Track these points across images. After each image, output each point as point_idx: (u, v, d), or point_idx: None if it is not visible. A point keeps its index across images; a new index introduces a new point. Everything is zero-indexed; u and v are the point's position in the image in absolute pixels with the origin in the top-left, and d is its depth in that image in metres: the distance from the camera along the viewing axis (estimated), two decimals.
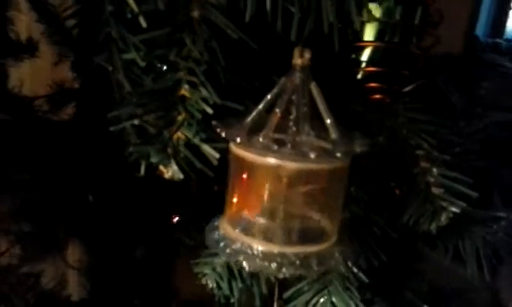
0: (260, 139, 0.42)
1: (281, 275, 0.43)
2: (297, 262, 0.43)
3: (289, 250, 0.43)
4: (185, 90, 0.50)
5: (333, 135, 0.44)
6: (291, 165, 0.42)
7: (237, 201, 0.45)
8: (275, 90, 0.45)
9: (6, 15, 0.94)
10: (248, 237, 0.44)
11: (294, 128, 0.42)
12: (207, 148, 0.50)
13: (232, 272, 0.60)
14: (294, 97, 0.44)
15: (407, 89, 0.66)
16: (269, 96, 0.45)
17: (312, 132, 0.43)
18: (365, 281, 0.61)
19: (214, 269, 0.60)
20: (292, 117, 0.43)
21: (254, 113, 0.45)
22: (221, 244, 0.45)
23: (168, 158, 0.50)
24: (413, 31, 0.64)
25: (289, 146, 0.41)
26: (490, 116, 0.63)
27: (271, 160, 0.42)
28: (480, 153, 0.66)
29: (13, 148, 0.85)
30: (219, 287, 0.60)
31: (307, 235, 0.45)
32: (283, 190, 0.43)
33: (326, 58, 0.65)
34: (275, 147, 0.41)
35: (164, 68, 0.50)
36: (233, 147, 0.45)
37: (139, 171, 0.50)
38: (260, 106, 0.45)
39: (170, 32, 0.51)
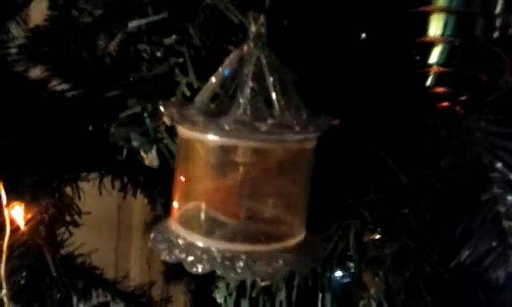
0: (191, 111, 0.37)
1: (194, 270, 0.36)
2: (219, 260, 0.35)
3: (215, 245, 0.36)
4: (178, 75, 0.48)
5: (276, 109, 0.36)
6: (213, 139, 0.35)
7: (177, 186, 0.40)
8: (226, 62, 0.39)
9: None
10: (180, 228, 0.39)
11: (225, 101, 0.36)
12: None
13: (242, 290, 0.54)
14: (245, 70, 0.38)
15: (489, 98, 0.52)
16: (220, 69, 0.39)
17: (248, 104, 0.35)
18: None
19: (227, 285, 0.55)
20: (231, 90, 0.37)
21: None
22: (155, 233, 0.40)
23: (150, 144, 0.47)
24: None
25: (212, 119, 0.35)
26: None
27: (191, 134, 0.36)
28: None
29: None
30: (226, 303, 0.54)
31: (249, 233, 0.37)
32: (214, 172, 0.37)
33: (387, 58, 0.56)
34: (197, 119, 0.35)
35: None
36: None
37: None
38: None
39: (172, 19, 0.49)
